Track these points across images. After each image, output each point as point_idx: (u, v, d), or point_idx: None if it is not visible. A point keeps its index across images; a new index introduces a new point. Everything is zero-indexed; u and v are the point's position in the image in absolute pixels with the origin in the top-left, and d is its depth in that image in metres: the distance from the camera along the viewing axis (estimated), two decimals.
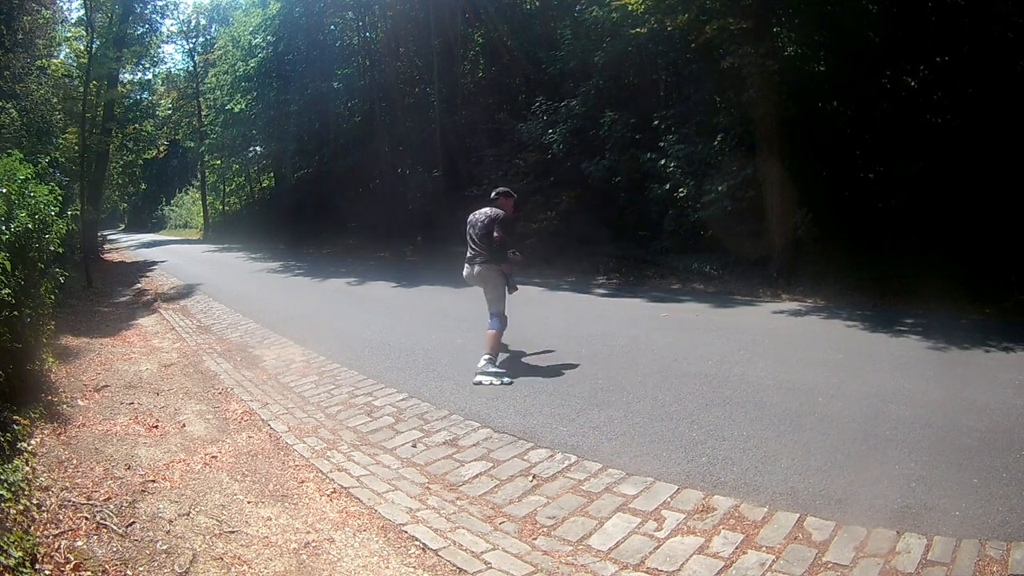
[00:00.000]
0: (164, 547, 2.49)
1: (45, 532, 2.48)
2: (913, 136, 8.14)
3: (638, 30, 9.86)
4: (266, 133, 22.18)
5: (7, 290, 3.59)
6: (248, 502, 2.95)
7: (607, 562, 2.39)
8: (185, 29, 31.03)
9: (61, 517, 2.62)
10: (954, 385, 4.02)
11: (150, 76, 23.70)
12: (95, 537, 2.51)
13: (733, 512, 2.65)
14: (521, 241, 4.75)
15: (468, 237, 4.98)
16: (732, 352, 5.02)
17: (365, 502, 2.95)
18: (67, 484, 2.98)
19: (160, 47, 24.01)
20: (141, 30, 19.87)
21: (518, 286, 5.03)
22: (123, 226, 47.01)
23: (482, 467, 3.24)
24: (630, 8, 9.47)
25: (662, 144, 10.10)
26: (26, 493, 2.68)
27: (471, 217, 5.02)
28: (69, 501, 2.77)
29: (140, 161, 23.35)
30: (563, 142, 11.90)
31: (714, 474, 2.98)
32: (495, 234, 4.79)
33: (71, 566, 2.27)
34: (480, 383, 4.47)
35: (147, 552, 2.45)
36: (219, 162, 28.10)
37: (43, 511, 2.63)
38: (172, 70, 32.56)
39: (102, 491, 2.95)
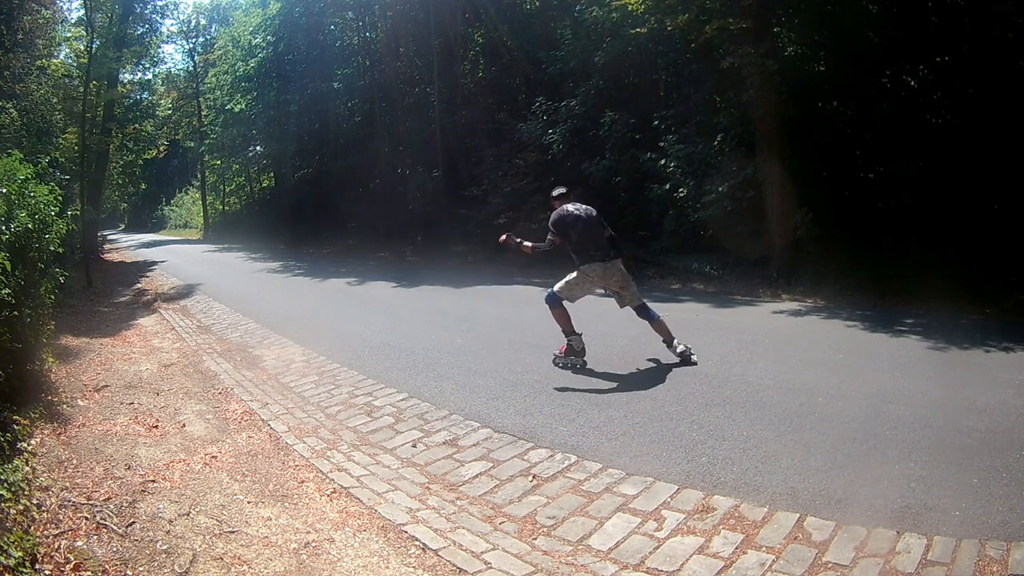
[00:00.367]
0: (164, 547, 2.49)
1: (45, 532, 2.48)
2: (913, 136, 8.14)
3: (638, 30, 9.86)
4: (266, 133, 22.19)
5: (7, 290, 3.59)
6: (248, 502, 2.95)
7: (607, 562, 2.39)
8: (185, 29, 31.08)
9: (61, 517, 2.62)
10: (954, 385, 4.01)
11: (150, 76, 23.70)
12: (95, 537, 2.51)
13: (733, 512, 2.64)
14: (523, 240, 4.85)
15: (583, 234, 4.68)
16: (732, 352, 5.02)
17: (365, 502, 2.95)
18: (67, 484, 2.98)
19: (160, 47, 24.04)
20: (141, 30, 19.85)
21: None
22: (123, 226, 47.03)
23: (482, 467, 3.24)
24: (630, 8, 9.48)
25: (662, 144, 10.11)
26: (26, 493, 2.68)
27: (577, 212, 4.73)
28: (69, 501, 2.77)
29: (140, 161, 23.33)
30: (563, 142, 11.91)
31: (714, 474, 2.98)
32: (608, 230, 4.77)
33: (71, 566, 2.27)
34: (692, 360, 4.63)
35: (147, 552, 2.45)
36: (219, 162, 28.14)
37: (43, 511, 2.63)
38: (172, 70, 32.64)
39: (102, 491, 2.95)
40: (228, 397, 4.61)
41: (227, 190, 31.70)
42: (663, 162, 9.95)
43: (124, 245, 26.84)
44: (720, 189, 8.92)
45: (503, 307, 7.90)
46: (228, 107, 23.14)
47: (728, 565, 2.31)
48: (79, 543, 2.44)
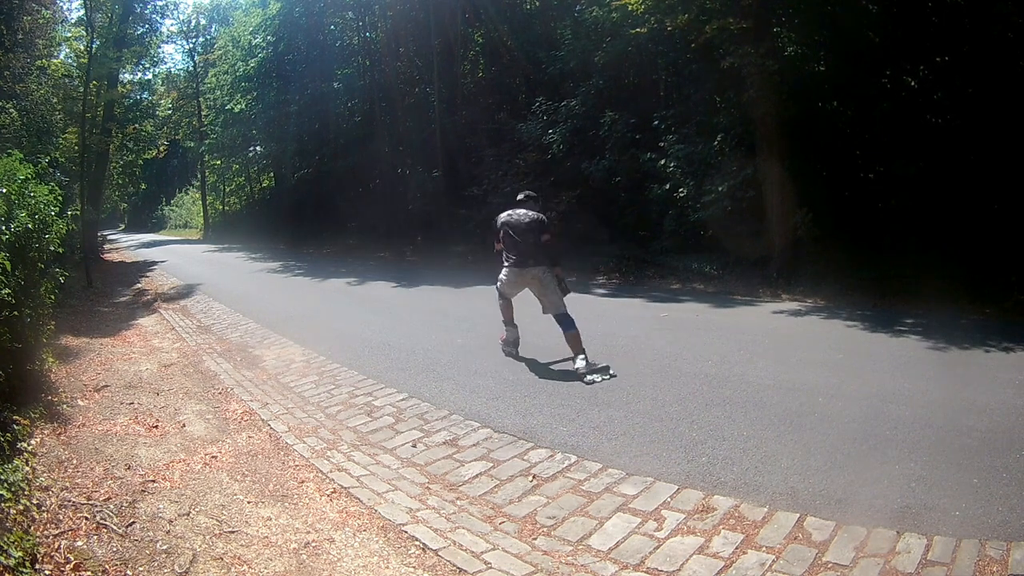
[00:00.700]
0: (164, 547, 2.49)
1: (45, 532, 2.48)
2: (913, 136, 8.14)
3: (638, 30, 9.86)
4: (266, 133, 22.18)
5: (7, 290, 3.59)
6: (248, 502, 2.95)
7: (607, 562, 2.39)
8: (185, 29, 31.04)
9: (61, 517, 2.62)
10: (954, 385, 4.01)
11: (150, 76, 23.73)
12: (95, 537, 2.51)
13: (733, 512, 2.65)
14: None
15: (505, 238, 4.87)
16: (732, 352, 5.02)
17: (365, 502, 2.95)
18: (67, 484, 2.98)
19: (160, 47, 24.03)
20: (141, 30, 19.86)
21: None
22: (123, 226, 47.00)
23: (482, 467, 3.24)
24: (630, 8, 9.47)
25: (662, 144, 10.10)
26: (26, 493, 2.68)
27: (507, 218, 4.93)
28: (69, 501, 2.77)
29: (140, 161, 23.33)
30: (563, 142, 11.90)
31: (714, 474, 2.98)
32: (545, 236, 4.79)
33: (71, 566, 2.27)
34: (593, 382, 4.40)
35: (147, 552, 2.45)
36: (219, 162, 28.09)
37: (43, 511, 2.63)
38: (172, 70, 32.61)
39: (102, 491, 2.95)
40: (228, 397, 4.61)
41: (227, 190, 31.67)
42: (663, 162, 9.95)
43: (124, 245, 26.82)
44: (720, 189, 8.92)
45: None
46: (228, 107, 23.11)
47: (728, 565, 2.31)
48: (79, 543, 2.44)
